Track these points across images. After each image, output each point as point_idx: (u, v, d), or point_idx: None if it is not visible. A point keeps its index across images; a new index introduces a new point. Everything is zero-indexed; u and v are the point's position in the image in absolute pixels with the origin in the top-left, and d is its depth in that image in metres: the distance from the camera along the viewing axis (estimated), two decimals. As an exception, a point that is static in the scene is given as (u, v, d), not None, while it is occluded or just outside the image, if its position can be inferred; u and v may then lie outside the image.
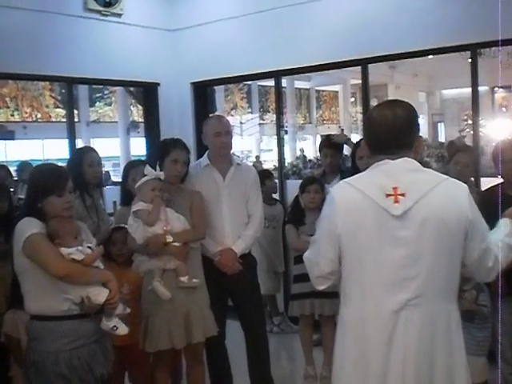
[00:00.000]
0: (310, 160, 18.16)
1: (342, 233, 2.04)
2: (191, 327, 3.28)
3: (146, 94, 6.42)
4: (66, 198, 2.60)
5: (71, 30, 5.36)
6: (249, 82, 19.78)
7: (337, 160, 4.67)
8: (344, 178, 2.29)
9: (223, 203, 3.66)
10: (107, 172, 12.62)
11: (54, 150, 16.24)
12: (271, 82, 6.06)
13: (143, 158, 6.47)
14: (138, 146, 14.88)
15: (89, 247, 2.61)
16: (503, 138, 4.54)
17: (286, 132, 16.48)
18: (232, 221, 3.66)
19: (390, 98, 15.88)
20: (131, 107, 19.44)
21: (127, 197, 3.65)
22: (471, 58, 4.65)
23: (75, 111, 9.59)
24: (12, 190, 4.85)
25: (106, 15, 5.64)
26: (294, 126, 21.30)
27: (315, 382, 4.21)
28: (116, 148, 17.88)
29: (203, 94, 6.38)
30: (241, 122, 21.61)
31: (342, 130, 18.86)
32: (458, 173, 3.78)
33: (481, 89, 4.82)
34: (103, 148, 11.87)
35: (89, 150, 3.97)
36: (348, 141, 4.75)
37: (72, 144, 5.64)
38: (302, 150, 19.88)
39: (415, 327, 1.98)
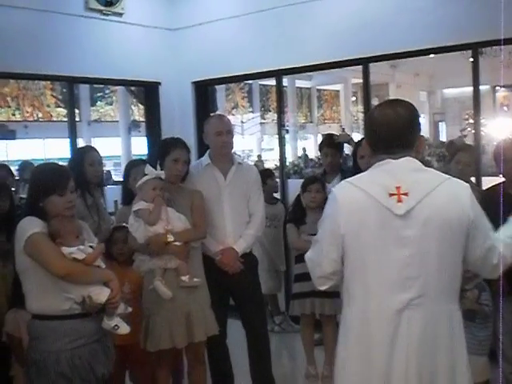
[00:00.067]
0: (311, 159, 18.17)
1: (344, 233, 2.03)
2: (192, 326, 3.28)
3: (147, 93, 6.42)
4: (67, 197, 2.59)
5: (72, 29, 5.36)
6: (250, 82, 19.82)
7: (337, 159, 4.68)
8: (344, 177, 2.29)
9: (224, 202, 3.66)
10: (108, 171, 12.63)
11: (55, 150, 16.25)
12: (272, 81, 6.07)
13: (144, 158, 6.46)
14: (139, 146, 14.91)
15: (90, 246, 2.61)
16: (505, 137, 4.52)
17: (287, 131, 16.44)
18: (233, 220, 3.66)
19: (391, 97, 15.91)
20: (132, 106, 19.41)
21: (128, 196, 3.65)
22: (472, 57, 4.65)
23: (76, 110, 9.58)
24: (13, 189, 4.84)
25: (107, 14, 5.64)
26: (295, 126, 21.31)
27: (316, 381, 4.22)
28: (117, 147, 17.87)
29: (204, 93, 6.38)
30: (242, 122, 21.59)
31: (343, 129, 18.84)
32: (459, 172, 3.79)
33: (482, 88, 4.81)
34: (104, 147, 11.84)
35: (90, 150, 3.97)
36: (350, 140, 4.76)
37: (73, 143, 5.64)
38: (304, 150, 19.86)
39: (418, 327, 1.98)
